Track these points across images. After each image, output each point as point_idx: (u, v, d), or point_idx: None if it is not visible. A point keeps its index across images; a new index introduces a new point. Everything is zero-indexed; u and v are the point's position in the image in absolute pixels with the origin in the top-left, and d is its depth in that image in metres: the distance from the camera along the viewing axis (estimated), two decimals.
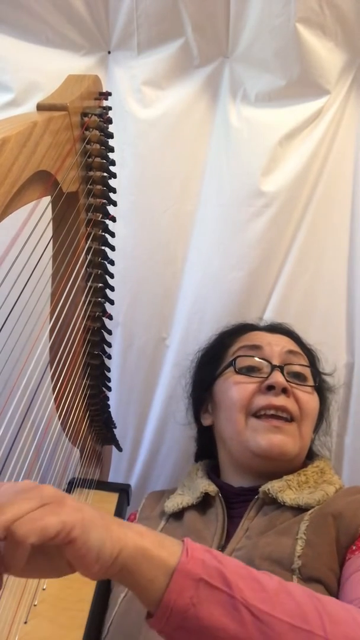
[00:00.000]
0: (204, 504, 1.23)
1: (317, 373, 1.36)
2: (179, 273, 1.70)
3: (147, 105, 1.61)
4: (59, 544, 0.63)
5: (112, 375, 1.42)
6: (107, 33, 1.60)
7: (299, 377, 1.29)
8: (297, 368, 1.30)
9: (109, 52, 1.63)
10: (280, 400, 1.21)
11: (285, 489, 1.14)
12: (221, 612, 0.67)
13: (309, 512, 1.08)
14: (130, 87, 1.61)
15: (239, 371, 1.28)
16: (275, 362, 1.27)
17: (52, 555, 0.67)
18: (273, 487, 1.14)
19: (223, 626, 0.67)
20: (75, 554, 0.65)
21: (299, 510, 1.10)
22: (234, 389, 1.27)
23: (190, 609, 0.67)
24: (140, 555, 0.69)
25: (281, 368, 1.26)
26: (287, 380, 1.24)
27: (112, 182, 1.06)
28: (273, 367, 1.26)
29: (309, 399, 1.27)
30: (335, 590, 0.98)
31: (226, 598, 0.68)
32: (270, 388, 1.23)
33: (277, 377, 1.23)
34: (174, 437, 1.66)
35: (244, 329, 1.43)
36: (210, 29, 1.56)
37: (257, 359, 1.29)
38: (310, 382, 1.31)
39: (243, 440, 1.22)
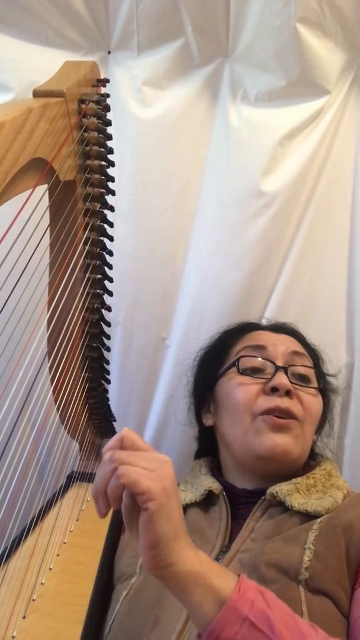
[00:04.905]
0: (207, 501, 1.22)
1: (321, 374, 1.34)
2: (179, 273, 1.70)
3: (147, 105, 1.61)
4: (140, 502, 0.76)
5: (112, 375, 1.42)
6: (107, 33, 1.61)
7: (303, 379, 1.27)
8: (301, 370, 1.27)
9: (109, 52, 1.63)
10: (285, 403, 1.19)
11: (293, 493, 1.12)
12: None
13: (318, 520, 1.06)
14: (130, 87, 1.61)
15: (243, 372, 1.26)
16: (280, 362, 1.25)
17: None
18: (281, 490, 1.13)
19: None
20: (142, 524, 0.76)
21: (307, 516, 1.09)
22: (238, 391, 1.24)
23: None
24: (193, 578, 0.77)
25: (285, 369, 1.23)
26: (291, 382, 1.22)
27: (110, 171, 1.05)
28: (277, 368, 1.23)
29: (313, 401, 1.25)
30: (342, 603, 0.96)
31: None
32: (274, 390, 1.20)
33: (281, 379, 1.21)
34: (173, 437, 1.65)
35: (247, 328, 1.41)
36: (210, 29, 1.57)
37: (260, 359, 1.27)
38: (314, 384, 1.28)
39: (247, 442, 1.20)
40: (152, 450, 0.83)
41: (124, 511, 0.80)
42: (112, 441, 0.83)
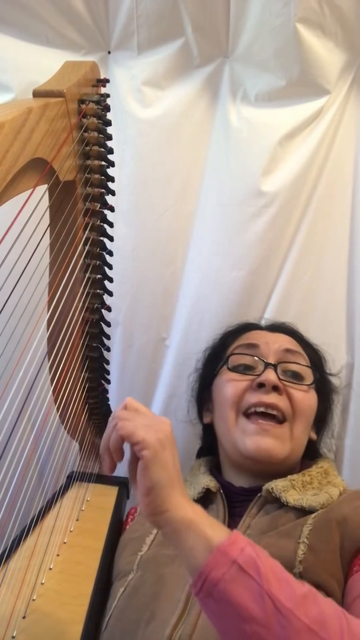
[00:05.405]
0: (205, 500, 1.22)
1: (317, 373, 1.33)
2: (179, 273, 1.70)
3: (147, 105, 1.61)
4: (136, 452, 0.83)
5: (112, 375, 1.42)
6: (107, 33, 1.61)
7: (296, 376, 1.27)
8: (293, 367, 1.28)
9: (109, 52, 1.63)
10: (271, 398, 1.20)
11: (289, 489, 1.13)
12: (247, 595, 0.74)
13: (313, 515, 1.07)
14: (130, 87, 1.61)
15: (232, 369, 1.28)
16: (270, 360, 1.26)
17: None
18: (277, 486, 1.13)
19: (246, 607, 0.74)
20: (139, 472, 0.83)
21: (302, 511, 1.10)
22: (227, 386, 1.27)
23: (221, 583, 0.75)
24: (186, 525, 0.81)
25: (275, 366, 1.24)
26: (282, 379, 1.23)
27: (110, 171, 1.05)
28: (266, 365, 1.24)
29: (303, 397, 1.25)
30: (336, 595, 0.97)
31: (254, 585, 0.75)
32: (261, 386, 1.22)
33: (269, 375, 1.22)
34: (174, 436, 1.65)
35: (246, 328, 1.42)
36: (210, 29, 1.57)
37: (251, 357, 1.28)
38: (308, 381, 1.28)
39: (233, 439, 1.22)
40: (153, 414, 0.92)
41: (128, 463, 0.88)
42: (117, 409, 0.91)
